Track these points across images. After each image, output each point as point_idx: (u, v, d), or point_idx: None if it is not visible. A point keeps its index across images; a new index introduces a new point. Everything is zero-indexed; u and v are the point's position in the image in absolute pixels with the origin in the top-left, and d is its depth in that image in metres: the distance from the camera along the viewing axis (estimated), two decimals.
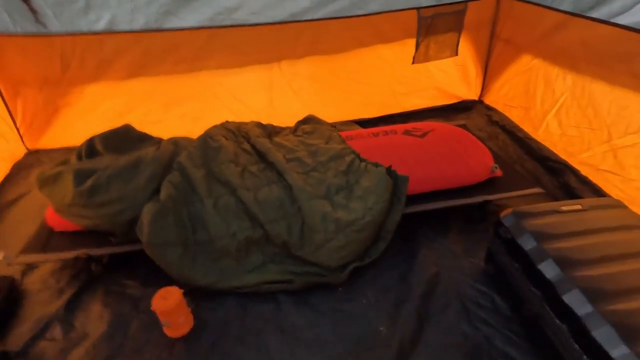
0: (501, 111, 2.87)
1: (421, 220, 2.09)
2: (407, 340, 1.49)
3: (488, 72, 2.87)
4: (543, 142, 2.32)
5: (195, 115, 2.50)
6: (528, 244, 1.41)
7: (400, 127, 2.52)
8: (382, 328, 1.56)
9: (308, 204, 1.80)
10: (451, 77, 2.86)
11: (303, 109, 2.63)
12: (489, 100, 3.04)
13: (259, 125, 2.43)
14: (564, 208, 1.53)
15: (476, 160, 2.13)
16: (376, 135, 2.44)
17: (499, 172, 2.12)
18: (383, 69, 2.62)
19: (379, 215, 1.79)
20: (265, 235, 1.80)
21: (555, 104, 2.05)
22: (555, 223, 1.47)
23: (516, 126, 2.64)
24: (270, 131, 2.45)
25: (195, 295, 1.67)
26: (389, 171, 1.92)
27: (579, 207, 1.53)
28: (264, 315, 1.64)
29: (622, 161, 1.79)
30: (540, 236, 1.41)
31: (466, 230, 2.04)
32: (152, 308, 1.46)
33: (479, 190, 2.05)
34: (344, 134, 2.45)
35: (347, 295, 1.71)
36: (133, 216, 1.74)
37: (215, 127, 2.31)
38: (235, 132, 2.36)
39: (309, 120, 2.55)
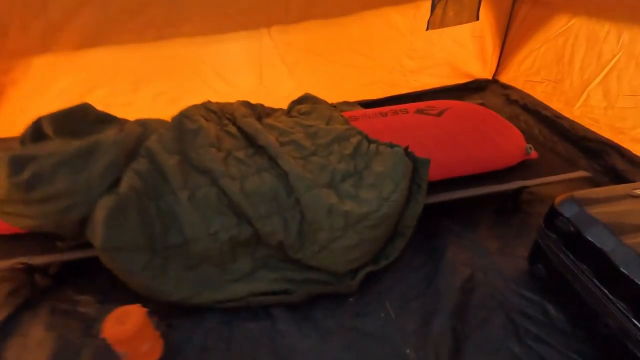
0: (521, 89, 2.54)
1: (444, 212, 1.74)
2: None
3: (506, 46, 2.54)
4: (578, 120, 1.99)
5: (171, 95, 2.11)
6: (603, 239, 1.07)
7: (411, 105, 2.17)
8: (408, 351, 1.20)
9: (308, 195, 1.43)
10: (467, 50, 2.52)
11: (298, 88, 2.26)
12: (505, 78, 2.71)
13: (247, 105, 2.05)
14: (637, 192, 1.20)
15: (506, 140, 1.79)
16: (384, 115, 2.09)
17: (534, 154, 1.78)
18: (392, 38, 2.26)
19: (396, 207, 1.44)
20: (255, 235, 1.43)
21: (601, 70, 1.72)
22: (633, 211, 1.13)
23: (541, 104, 2.31)
24: (260, 112, 2.08)
25: (165, 313, 1.30)
26: (407, 153, 1.57)
27: None
28: (254, 336, 1.27)
29: None
30: (619, 228, 1.07)
31: (499, 223, 1.70)
32: (102, 335, 1.09)
33: (512, 175, 1.71)
34: (346, 114, 2.10)
35: (360, 309, 1.36)
36: (85, 214, 1.35)
37: (193, 106, 1.92)
38: (217, 112, 1.98)
39: (306, 99, 2.18)
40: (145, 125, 1.74)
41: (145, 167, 1.50)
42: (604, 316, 1.07)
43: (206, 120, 1.87)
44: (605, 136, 1.83)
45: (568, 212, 1.19)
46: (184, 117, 1.79)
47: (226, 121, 1.95)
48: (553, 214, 1.25)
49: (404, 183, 1.46)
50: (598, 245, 1.07)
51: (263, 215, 1.43)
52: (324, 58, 2.21)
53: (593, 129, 1.90)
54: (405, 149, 1.58)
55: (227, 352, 1.22)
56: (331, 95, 2.22)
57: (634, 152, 1.69)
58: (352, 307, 1.36)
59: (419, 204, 1.52)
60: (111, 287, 1.41)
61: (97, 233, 1.28)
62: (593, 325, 1.11)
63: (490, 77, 2.84)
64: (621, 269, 1.00)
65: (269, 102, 2.13)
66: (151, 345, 1.17)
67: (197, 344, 1.25)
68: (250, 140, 1.79)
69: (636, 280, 0.97)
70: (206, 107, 1.98)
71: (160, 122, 1.81)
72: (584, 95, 1.86)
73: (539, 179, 1.68)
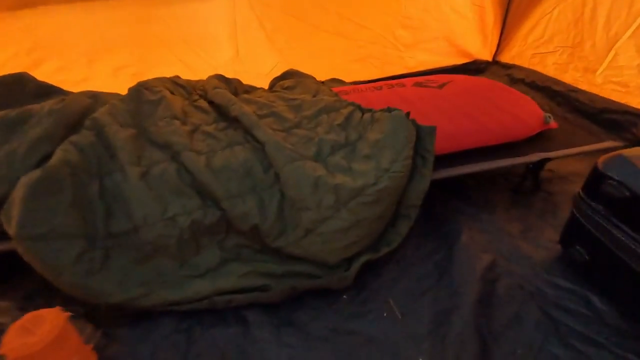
0: (526, 67, 2.32)
1: (454, 193, 1.49)
2: None
3: (509, 18, 2.32)
4: (600, 89, 1.76)
5: (134, 70, 1.83)
6: None
7: (408, 80, 1.93)
8: (421, 359, 0.92)
9: (290, 168, 1.16)
10: (465, 22, 2.30)
11: (281, 63, 2.01)
12: (507, 56, 2.50)
13: (221, 78, 1.79)
14: None
15: (521, 109, 1.54)
16: (379, 89, 1.84)
17: (553, 124, 1.54)
18: (385, 3, 2.02)
19: (399, 180, 1.16)
20: (224, 220, 1.15)
21: (634, 20, 1.47)
22: None
23: (551, 79, 2.08)
24: (237, 87, 1.81)
25: (102, 319, 1.00)
26: (411, 123, 1.31)
27: None
28: (220, 347, 0.97)
29: None
30: None
31: (518, 204, 1.44)
32: (1, 350, 0.78)
33: (530, 147, 1.45)
34: (336, 89, 1.84)
35: (357, 308, 1.07)
36: (5, 194, 1.06)
37: (157, 78, 1.65)
38: (187, 87, 1.71)
39: (290, 74, 1.93)
40: (96, 97, 1.46)
41: (88, 140, 1.21)
42: None
43: (172, 93, 1.60)
44: (635, 103, 1.59)
45: (619, 172, 0.93)
46: (143, 87, 1.51)
47: (196, 96, 1.68)
48: (597, 178, 0.98)
49: (407, 151, 1.19)
50: None
51: (233, 194, 1.15)
52: (308, 24, 1.95)
53: (618, 96, 1.66)
54: (407, 114, 1.32)
55: None
56: (317, 72, 1.97)
57: None
58: (347, 306, 1.07)
59: (426, 180, 1.25)
60: (40, 289, 1.10)
61: (12, 217, 0.98)
62: None
63: (490, 57, 2.63)
64: None
65: (248, 79, 1.87)
66: None
67: (144, 358, 0.95)
68: (223, 114, 1.52)
69: None
70: (174, 80, 1.71)
71: (116, 96, 1.53)
72: (610, 55, 1.62)
73: (563, 151, 1.43)
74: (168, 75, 1.72)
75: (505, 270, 1.14)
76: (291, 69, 1.94)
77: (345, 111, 1.47)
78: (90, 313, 0.98)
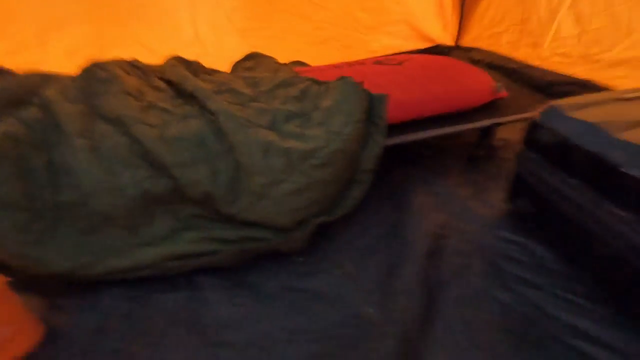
0: (485, 48, 2.40)
1: (410, 160, 1.52)
2: (414, 323, 0.88)
3: (466, 2, 2.40)
4: (548, 62, 1.84)
5: (89, 52, 1.79)
6: (596, 141, 0.86)
7: (369, 59, 1.97)
8: (371, 310, 0.93)
9: (241, 135, 1.16)
10: (425, 5, 2.36)
11: (243, 45, 2.01)
12: (468, 39, 2.58)
13: (180, 60, 1.77)
14: (627, 95, 1.00)
15: (473, 80, 1.60)
16: (338, 67, 1.86)
17: (504, 93, 1.60)
18: None
19: (350, 143, 1.18)
20: (177, 190, 1.14)
21: None
22: (626, 111, 0.93)
23: (506, 58, 2.16)
24: (197, 69, 1.80)
25: (49, 290, 0.97)
26: (363, 89, 1.34)
27: None
28: (169, 310, 0.97)
29: None
30: (614, 127, 0.86)
31: (471, 170, 1.49)
32: None
33: (482, 115, 1.51)
34: (297, 69, 1.86)
35: (310, 268, 1.08)
36: None
37: (112, 60, 1.62)
38: (144, 69, 1.69)
39: (251, 57, 1.93)
40: (47, 77, 1.42)
41: (34, 115, 1.18)
42: (604, 237, 0.85)
43: (127, 73, 1.58)
44: (579, 73, 1.67)
45: (552, 121, 0.98)
46: (96, 66, 1.48)
47: (153, 78, 1.65)
48: (534, 129, 1.03)
49: (358, 115, 1.21)
50: (592, 149, 0.86)
51: (185, 163, 1.14)
52: (267, 2, 1.95)
53: (565, 68, 1.74)
54: (360, 84, 1.34)
55: (129, 332, 0.91)
56: (280, 55, 1.97)
57: (610, 84, 1.53)
58: (301, 267, 1.08)
59: (378, 145, 1.28)
60: None
61: None
62: (590, 253, 0.89)
63: (452, 42, 2.70)
64: (623, 170, 0.79)
65: (212, 66, 1.86)
66: (16, 331, 0.84)
67: (91, 326, 0.93)
68: (179, 91, 1.50)
69: None
70: (131, 63, 1.68)
71: (67, 77, 1.50)
72: (554, 27, 1.70)
73: (511, 116, 1.48)
74: (126, 58, 1.69)
75: (456, 228, 1.18)
76: (253, 52, 1.94)
77: (301, 85, 1.49)
78: (36, 284, 0.95)
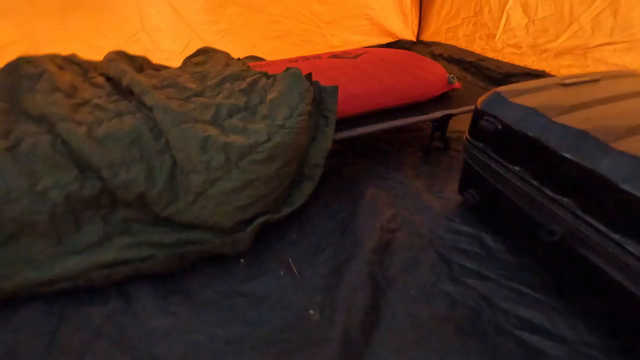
0: (444, 42, 2.41)
1: (364, 155, 1.49)
2: (358, 323, 0.83)
3: None
4: (501, 54, 1.85)
5: (22, 47, 1.65)
6: (534, 125, 0.84)
7: (325, 53, 1.92)
8: (311, 311, 0.88)
9: (177, 130, 1.09)
10: (384, 2, 2.34)
11: (194, 40, 1.92)
12: (428, 34, 2.58)
13: (123, 54, 1.66)
14: (567, 81, 1.00)
15: (427, 72, 1.58)
16: (294, 61, 1.81)
17: (457, 84, 1.59)
18: None
19: (295, 136, 1.12)
20: (107, 191, 1.05)
21: None
22: (565, 96, 0.92)
23: (464, 51, 2.18)
24: (143, 64, 1.70)
25: None
26: (308, 79, 1.28)
27: (587, 78, 1.01)
28: (98, 323, 0.88)
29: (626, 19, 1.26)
30: (552, 111, 0.84)
31: (426, 163, 1.46)
32: None
33: (436, 106, 1.49)
34: (250, 64, 1.79)
35: (253, 270, 1.01)
36: None
37: (45, 55, 1.50)
38: (83, 65, 1.57)
39: (203, 51, 1.84)
40: None
41: None
42: (547, 224, 0.83)
43: (61, 69, 1.46)
44: (531, 64, 1.68)
45: (493, 107, 0.96)
46: (23, 61, 1.37)
47: (93, 74, 1.54)
48: (477, 116, 1.01)
49: (303, 107, 1.16)
50: (530, 134, 0.84)
51: (116, 162, 1.05)
52: None
53: (517, 59, 1.76)
54: (307, 75, 1.29)
55: (46, 351, 0.81)
56: (234, 50, 1.90)
57: (558, 74, 1.55)
58: (243, 270, 1.02)
59: (328, 138, 1.23)
60: None
61: None
62: (536, 241, 0.87)
63: (414, 37, 2.71)
64: (561, 153, 0.77)
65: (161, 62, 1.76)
66: None
67: (5, 345, 0.83)
68: (117, 87, 1.41)
69: (579, 162, 0.73)
70: (69, 58, 1.56)
71: None
72: (504, 18, 1.71)
73: (464, 108, 1.47)
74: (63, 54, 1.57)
75: (407, 220, 1.14)
76: (205, 47, 1.85)
77: (250, 78, 1.42)
78: None
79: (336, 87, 1.28)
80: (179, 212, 1.04)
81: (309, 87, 1.21)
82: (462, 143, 1.11)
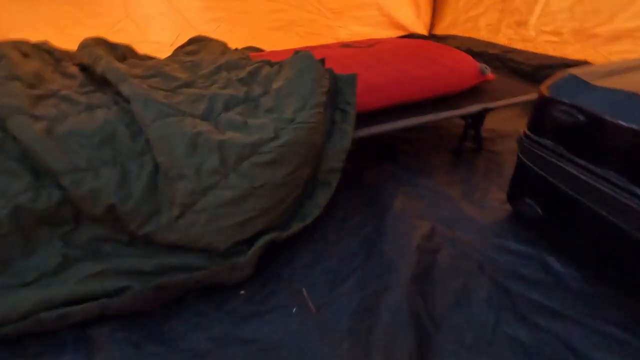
0: (461, 35, 2.20)
1: (386, 157, 1.27)
2: None
3: None
4: (534, 43, 1.64)
5: None
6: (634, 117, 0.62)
7: (334, 44, 1.71)
8: None
9: (159, 125, 0.86)
10: None
11: (187, 29, 1.70)
12: (442, 27, 2.38)
13: (102, 42, 1.43)
14: None
15: (455, 61, 1.36)
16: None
17: (490, 75, 1.37)
18: None
19: (308, 134, 0.89)
20: (68, 203, 0.81)
21: None
22: None
23: (486, 43, 1.97)
24: (126, 54, 1.47)
25: None
26: (322, 64, 1.06)
27: None
28: None
29: None
30: None
31: (459, 166, 1.24)
32: None
33: (468, 100, 1.27)
34: (250, 54, 1.57)
35: (256, 306, 0.78)
36: None
37: (9, 40, 1.28)
38: (55, 54, 1.35)
39: (196, 40, 1.62)
40: None
41: None
42: None
43: (25, 56, 1.23)
44: (572, 53, 1.47)
45: (570, 94, 0.74)
46: None
47: (66, 64, 1.32)
48: (544, 107, 0.79)
49: (317, 98, 0.93)
50: (634, 126, 0.62)
51: (80, 166, 0.82)
52: None
53: (553, 48, 1.55)
54: (321, 60, 1.07)
55: None
56: (232, 41, 1.68)
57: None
58: (244, 305, 0.78)
59: (346, 137, 1.00)
60: None
61: None
62: (627, 266, 0.64)
63: (426, 32, 2.50)
64: None
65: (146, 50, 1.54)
66: None
67: None
68: (92, 77, 1.18)
69: None
70: (38, 46, 1.34)
71: None
72: (542, 1, 1.50)
73: (503, 100, 1.26)
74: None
75: (447, 238, 0.92)
76: (199, 35, 1.63)
77: (250, 67, 1.20)
78: None
79: (354, 76, 1.06)
80: (160, 230, 0.81)
81: (324, 73, 0.99)
82: (518, 141, 0.89)
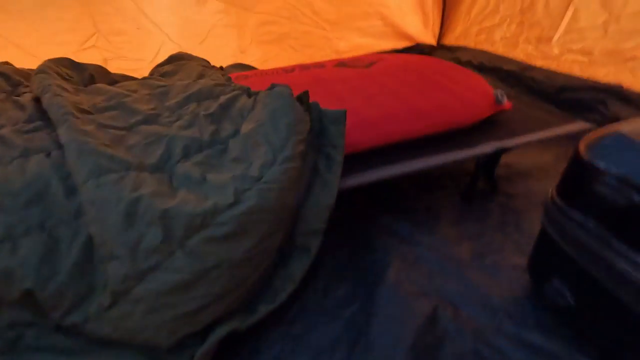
0: (473, 47, 2.00)
1: (380, 199, 1.08)
2: None
3: None
4: (557, 63, 1.44)
5: None
6: None
7: (329, 61, 1.53)
8: None
9: (92, 186, 0.69)
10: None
11: (167, 46, 1.55)
12: (452, 37, 2.18)
13: (66, 63, 1.28)
14: None
15: (466, 87, 1.17)
16: (290, 71, 1.42)
17: (507, 104, 1.17)
18: None
19: (278, 195, 0.72)
20: None
21: None
22: None
23: (501, 58, 1.77)
24: (94, 75, 1.32)
25: None
26: (303, 99, 0.89)
27: None
28: None
29: None
30: None
31: (467, 214, 1.05)
32: None
33: (481, 135, 1.08)
34: (233, 75, 1.40)
35: None
36: None
37: None
38: (12, 77, 1.21)
39: (175, 58, 1.46)
40: None
41: None
42: None
43: None
44: (602, 75, 1.27)
45: (617, 161, 0.55)
46: None
47: (24, 89, 1.17)
48: (580, 173, 0.60)
49: (291, 149, 0.76)
50: None
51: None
52: None
53: (579, 69, 1.35)
54: (303, 94, 0.89)
55: None
56: (217, 57, 1.52)
57: None
58: None
59: (331, 190, 0.83)
60: None
61: None
62: None
63: (434, 41, 2.31)
64: None
65: (127, 71, 1.39)
66: None
67: None
68: (42, 110, 1.03)
69: None
70: None
71: None
72: (569, 14, 1.30)
73: (523, 137, 1.06)
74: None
75: (452, 324, 0.73)
76: (180, 52, 1.47)
77: (224, 97, 1.03)
78: None
79: (343, 113, 0.88)
80: (90, 320, 0.65)
81: (303, 116, 0.82)
82: (544, 206, 0.70)
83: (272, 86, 0.92)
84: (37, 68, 1.21)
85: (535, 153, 1.29)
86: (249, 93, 1.05)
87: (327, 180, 0.84)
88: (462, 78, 1.25)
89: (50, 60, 1.26)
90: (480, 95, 1.14)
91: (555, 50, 1.40)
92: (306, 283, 0.80)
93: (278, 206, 0.71)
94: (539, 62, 1.52)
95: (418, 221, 1.00)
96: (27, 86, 1.20)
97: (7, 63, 1.27)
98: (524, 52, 1.59)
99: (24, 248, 0.66)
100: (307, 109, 0.87)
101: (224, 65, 1.55)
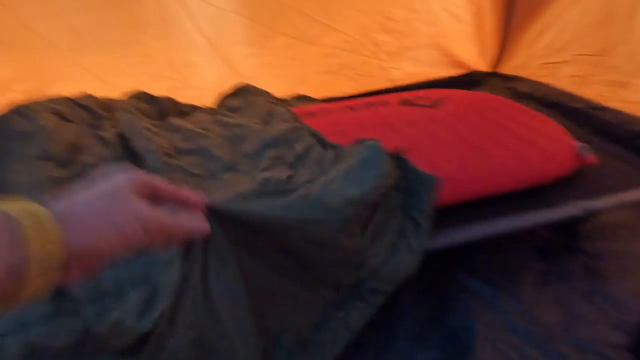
0: (532, 79, 1.93)
1: (452, 261, 1.05)
2: None
3: (513, 20, 1.95)
4: (636, 110, 1.37)
5: (25, 86, 1.38)
6: None
7: (392, 96, 1.52)
8: None
9: None
10: (461, 25, 1.91)
11: (228, 74, 1.59)
12: (509, 66, 2.11)
13: (143, 97, 1.35)
14: None
15: (546, 138, 1.13)
16: (353, 109, 1.41)
17: (592, 157, 1.11)
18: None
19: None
20: (88, 335, 0.69)
21: None
22: None
23: (567, 94, 1.69)
24: (168, 108, 1.37)
25: None
26: (395, 156, 0.87)
27: None
28: None
29: None
30: None
31: (549, 276, 1.00)
32: None
33: (561, 192, 1.03)
34: (299, 110, 1.42)
35: None
36: None
37: (48, 99, 1.22)
38: (93, 110, 1.27)
39: (241, 91, 1.49)
40: None
41: None
42: None
43: (65, 120, 1.15)
44: None
45: None
46: (15, 113, 1.07)
47: (105, 123, 1.23)
48: None
49: (370, 192, 0.74)
50: None
51: (107, 290, 0.69)
52: (260, 24, 1.52)
53: None
54: (399, 151, 0.88)
55: None
56: (277, 87, 1.55)
57: None
58: None
59: (415, 257, 0.80)
60: None
61: None
62: None
63: (488, 68, 2.25)
64: None
65: (191, 99, 1.45)
66: None
67: None
68: (130, 150, 1.07)
69: None
70: (77, 101, 1.26)
71: None
72: None
73: (616, 197, 1.00)
74: (72, 94, 1.28)
75: None
76: (243, 84, 1.51)
77: (300, 146, 1.04)
78: None
79: (436, 179, 0.85)
80: None
81: (392, 171, 0.81)
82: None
83: (362, 142, 0.91)
84: (118, 103, 1.27)
85: (616, 209, 1.22)
86: (323, 142, 1.06)
87: (413, 246, 0.82)
88: (537, 124, 1.21)
89: (130, 97, 1.32)
90: (563, 148, 1.09)
91: (635, 97, 1.33)
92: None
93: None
94: (613, 104, 1.45)
95: (495, 279, 0.97)
96: (107, 118, 1.26)
97: (89, 95, 1.33)
98: (595, 92, 1.51)
99: (134, 296, 0.69)
100: (397, 165, 0.85)
101: (282, 95, 1.56)
